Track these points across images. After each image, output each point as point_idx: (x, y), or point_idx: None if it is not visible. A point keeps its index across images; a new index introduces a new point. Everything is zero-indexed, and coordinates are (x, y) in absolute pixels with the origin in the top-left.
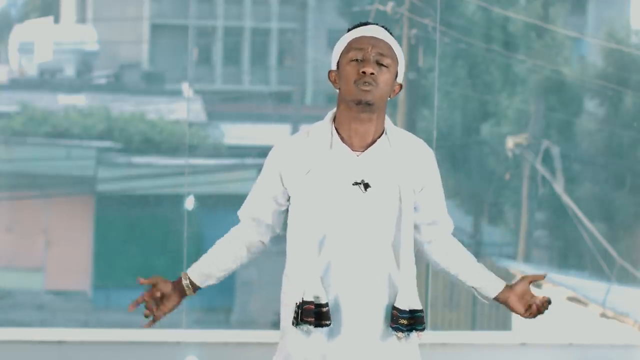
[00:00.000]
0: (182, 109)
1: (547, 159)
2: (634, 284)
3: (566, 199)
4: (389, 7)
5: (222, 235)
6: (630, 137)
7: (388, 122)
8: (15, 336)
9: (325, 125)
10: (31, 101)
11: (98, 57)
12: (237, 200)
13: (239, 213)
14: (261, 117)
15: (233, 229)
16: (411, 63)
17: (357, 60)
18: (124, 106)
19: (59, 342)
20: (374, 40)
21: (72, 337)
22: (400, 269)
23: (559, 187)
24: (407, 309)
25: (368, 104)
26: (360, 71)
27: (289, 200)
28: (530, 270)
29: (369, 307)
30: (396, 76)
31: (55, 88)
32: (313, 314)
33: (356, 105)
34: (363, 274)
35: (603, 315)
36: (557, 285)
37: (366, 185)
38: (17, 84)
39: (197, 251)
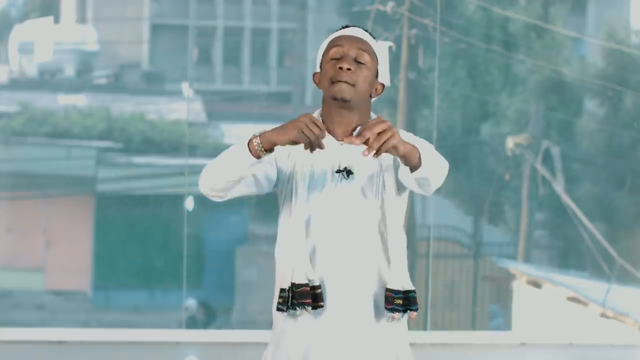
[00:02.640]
0: (182, 109)
1: (547, 159)
2: (634, 284)
3: (566, 199)
4: (389, 7)
5: (222, 235)
6: (630, 137)
7: (374, 115)
8: (15, 336)
9: None
10: (31, 101)
11: (98, 57)
12: (237, 200)
13: None
14: (261, 117)
15: None
16: (411, 63)
17: (336, 58)
18: (124, 106)
19: (59, 342)
20: (352, 39)
21: (72, 337)
22: (389, 252)
23: (559, 187)
24: (401, 289)
25: (344, 101)
26: (337, 67)
27: (275, 178)
28: (530, 270)
29: (355, 290)
30: (377, 75)
31: (55, 88)
32: (309, 296)
33: (334, 102)
34: (347, 258)
35: (603, 315)
36: (557, 285)
37: (349, 172)
38: (17, 84)
39: (197, 251)
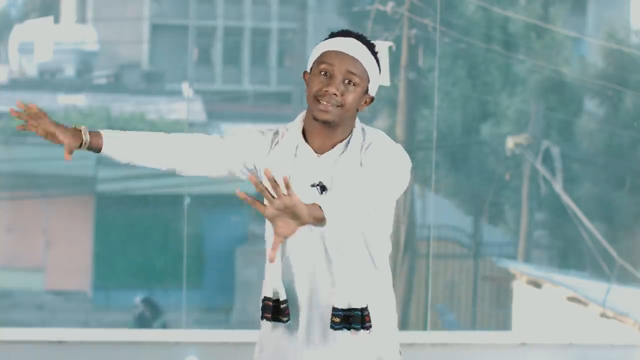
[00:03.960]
0: (182, 109)
1: (547, 159)
2: (634, 284)
3: (566, 199)
4: (389, 7)
5: (222, 235)
6: (630, 137)
7: (358, 124)
8: (15, 336)
9: (295, 128)
10: (31, 101)
11: (98, 57)
12: (237, 200)
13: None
14: (261, 117)
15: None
16: (411, 63)
17: (325, 74)
18: (124, 106)
19: (59, 342)
20: (343, 58)
21: (72, 337)
22: (339, 267)
23: (558, 187)
24: (343, 308)
25: (326, 123)
26: (324, 90)
27: (239, 172)
28: (530, 270)
29: (318, 304)
30: (367, 91)
31: (55, 88)
32: (271, 310)
33: (314, 120)
34: (313, 272)
35: (603, 315)
36: (557, 285)
37: (323, 188)
38: (17, 84)
39: (197, 251)
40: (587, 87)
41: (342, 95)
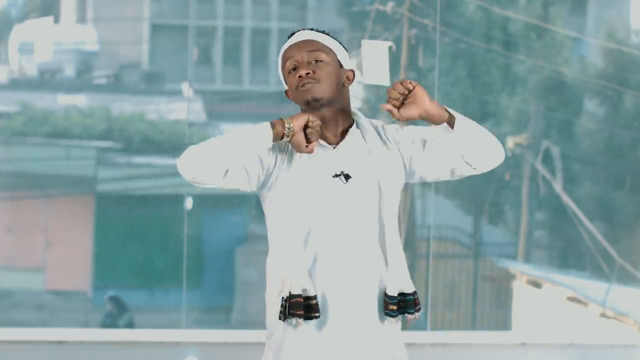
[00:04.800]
0: (182, 109)
1: (547, 159)
2: (634, 284)
3: (566, 199)
4: (389, 7)
5: (222, 235)
6: (630, 137)
7: (356, 112)
8: (15, 336)
9: None
10: (31, 101)
11: (98, 57)
12: (237, 200)
13: None
14: (261, 117)
15: None
16: (411, 63)
17: (294, 68)
18: (124, 106)
19: (59, 342)
20: (300, 44)
21: (72, 337)
22: (387, 255)
23: (558, 187)
24: (396, 294)
25: (316, 100)
26: (297, 76)
27: (260, 179)
28: (530, 270)
29: (357, 297)
30: (341, 65)
31: (55, 88)
32: (302, 307)
33: (308, 106)
34: (350, 265)
35: (603, 315)
36: (557, 285)
37: (347, 177)
38: (17, 84)
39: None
40: (587, 87)
41: (314, 72)
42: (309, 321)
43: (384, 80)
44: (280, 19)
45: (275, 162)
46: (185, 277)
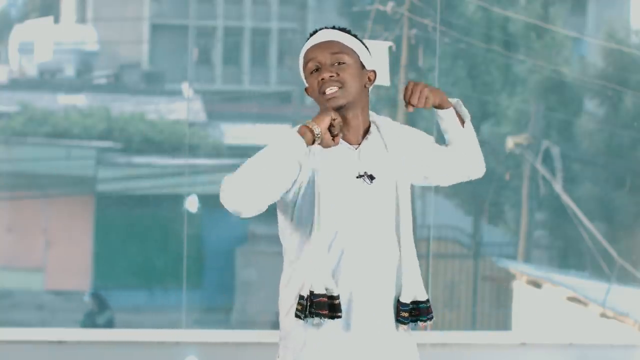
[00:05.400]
0: (182, 109)
1: (547, 159)
2: (634, 284)
3: (566, 199)
4: (389, 7)
5: (222, 235)
6: (630, 137)
7: (371, 113)
8: (15, 336)
9: None
10: (31, 101)
11: (98, 57)
12: None
13: None
14: (261, 117)
15: None
16: (411, 63)
17: (316, 69)
18: (124, 106)
19: (59, 342)
20: (323, 45)
21: (72, 337)
22: (402, 258)
23: (558, 187)
24: (409, 302)
25: (340, 107)
26: (320, 79)
27: (293, 190)
28: (530, 270)
29: (380, 298)
30: (363, 66)
31: (55, 88)
32: (326, 306)
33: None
34: (373, 266)
35: (603, 315)
36: (557, 285)
37: (371, 177)
38: (17, 84)
39: (197, 251)
40: (587, 87)
41: (337, 75)
42: (332, 321)
43: (384, 80)
44: (280, 19)
45: (301, 167)
46: (185, 277)
